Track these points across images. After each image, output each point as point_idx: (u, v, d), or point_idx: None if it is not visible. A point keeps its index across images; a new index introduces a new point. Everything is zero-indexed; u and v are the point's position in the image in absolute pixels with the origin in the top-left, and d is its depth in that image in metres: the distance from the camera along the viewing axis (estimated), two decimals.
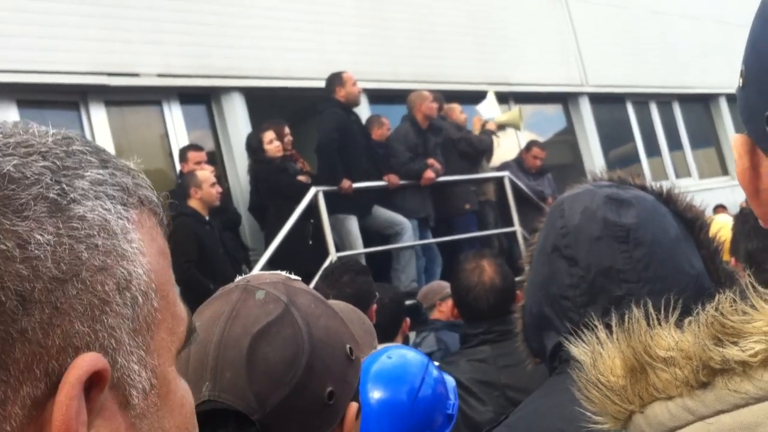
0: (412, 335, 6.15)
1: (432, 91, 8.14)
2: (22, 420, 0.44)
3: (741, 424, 0.61)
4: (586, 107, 11.41)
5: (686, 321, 0.69)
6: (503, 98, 9.32)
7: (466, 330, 3.04)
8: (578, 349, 0.74)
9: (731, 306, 0.65)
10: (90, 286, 0.47)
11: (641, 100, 12.41)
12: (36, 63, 6.45)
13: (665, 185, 1.48)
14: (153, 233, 0.55)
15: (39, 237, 0.45)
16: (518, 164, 9.05)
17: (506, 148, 9.55)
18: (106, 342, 0.48)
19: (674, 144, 12.76)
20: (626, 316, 0.71)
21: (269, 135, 6.98)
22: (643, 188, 1.46)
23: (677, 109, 12.97)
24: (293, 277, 1.23)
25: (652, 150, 12.35)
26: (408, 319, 3.89)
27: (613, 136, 11.87)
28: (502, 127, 9.16)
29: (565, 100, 11.45)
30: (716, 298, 0.66)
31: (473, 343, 2.90)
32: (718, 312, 0.65)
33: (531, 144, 9.26)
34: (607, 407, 0.71)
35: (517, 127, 9.25)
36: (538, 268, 1.43)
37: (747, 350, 0.62)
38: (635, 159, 12.02)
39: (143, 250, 0.53)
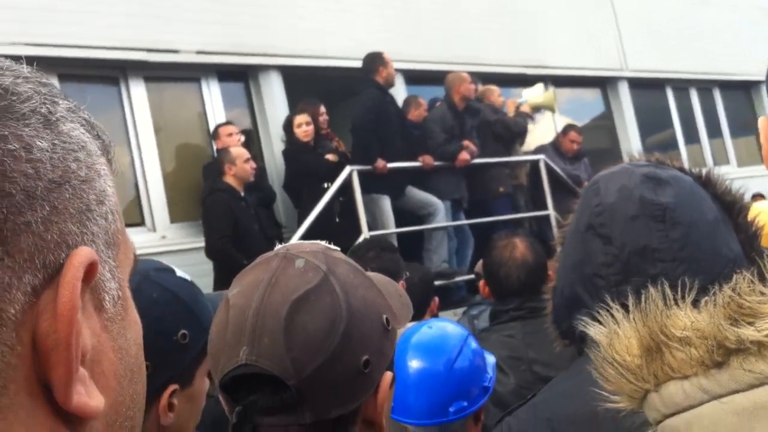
0: (448, 313, 6.17)
1: (468, 73, 8.10)
2: (23, 305, 0.47)
3: (755, 404, 0.62)
4: (624, 92, 11.28)
5: (702, 301, 0.69)
6: (540, 82, 9.24)
7: (496, 307, 3.05)
8: (595, 329, 0.74)
9: (748, 287, 0.65)
10: (78, 193, 0.52)
11: (681, 86, 12.24)
12: (77, 37, 6.52)
13: (705, 169, 1.47)
14: (107, 168, 0.58)
15: (39, 143, 0.50)
16: (554, 148, 8.97)
17: (542, 131, 9.48)
18: (90, 246, 0.52)
19: (714, 131, 12.58)
20: (643, 296, 0.71)
21: (300, 119, 7.01)
22: (682, 170, 1.45)
23: (718, 96, 12.78)
24: (332, 247, 1.24)
25: (691, 137, 12.19)
26: (437, 299, 3.90)
27: (652, 122, 11.73)
28: (536, 109, 9.10)
29: (604, 84, 11.32)
30: (734, 279, 0.66)
31: (503, 320, 2.91)
32: (735, 292, 0.65)
33: (568, 128, 9.18)
34: (623, 386, 0.71)
35: (551, 109, 9.18)
36: (572, 247, 1.42)
37: (763, 330, 0.62)
38: (674, 145, 11.87)
39: (108, 176, 0.58)
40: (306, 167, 6.97)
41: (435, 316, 4.02)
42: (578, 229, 1.40)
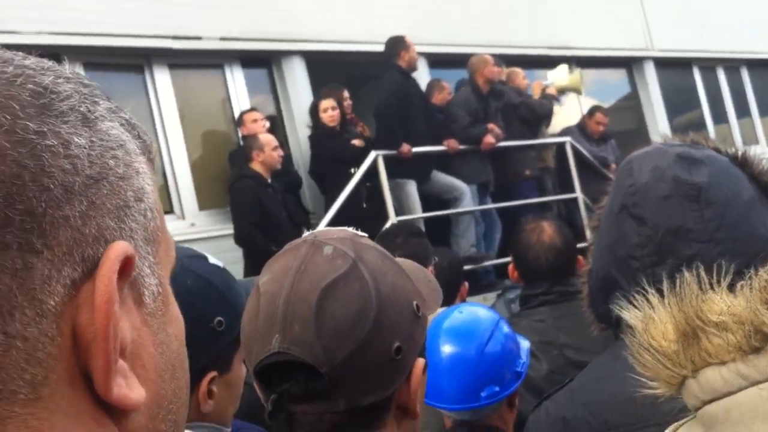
0: (478, 298, 6.15)
1: (492, 56, 8.05)
2: (63, 297, 0.48)
3: None
4: (651, 72, 11.16)
5: (738, 285, 0.67)
6: (565, 63, 9.15)
7: (526, 291, 3.03)
8: (630, 314, 0.73)
9: None
10: (116, 189, 0.53)
11: (708, 65, 12.09)
12: (102, 26, 6.55)
13: (740, 148, 1.44)
14: (147, 167, 0.60)
15: (77, 140, 0.51)
16: (580, 130, 8.91)
17: (568, 113, 9.41)
18: (129, 241, 0.53)
19: (742, 111, 12.42)
20: (677, 281, 0.70)
21: (326, 103, 7.02)
22: (717, 150, 1.43)
23: (745, 75, 12.61)
24: (360, 233, 1.24)
25: (719, 117, 12.05)
26: (467, 284, 3.88)
27: (679, 102, 11.60)
28: (562, 92, 9.03)
29: (630, 64, 11.21)
30: None
31: (533, 304, 2.89)
32: None
33: (594, 109, 9.11)
34: (659, 372, 0.70)
35: (578, 91, 9.11)
36: (606, 229, 1.41)
37: None
38: (701, 126, 11.71)
39: (147, 174, 0.59)
40: (332, 152, 6.98)
41: (464, 300, 4.02)
42: (612, 211, 1.38)
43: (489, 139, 7.55)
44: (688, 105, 11.84)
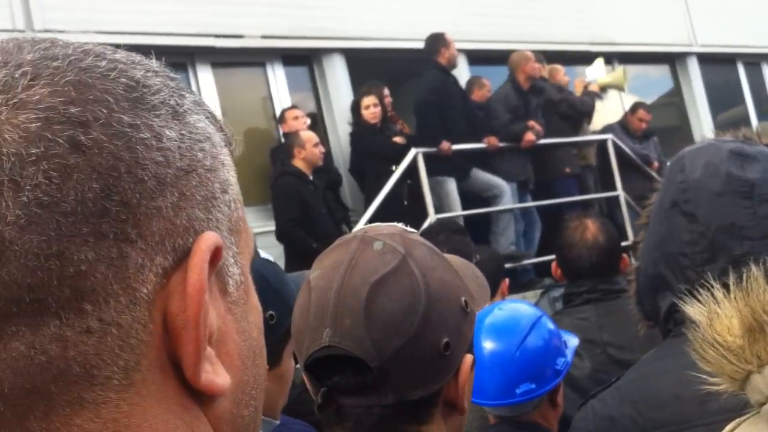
0: (518, 296, 6.12)
1: (533, 52, 8.00)
2: (155, 286, 0.50)
3: None
4: (694, 68, 11.01)
5: None
6: (607, 59, 9.07)
7: (569, 289, 3.00)
8: (694, 309, 0.72)
9: None
10: (204, 181, 0.54)
11: (753, 61, 11.89)
12: (145, 25, 6.64)
13: None
14: (229, 160, 0.61)
15: (168, 133, 0.52)
16: (622, 127, 8.82)
17: (610, 110, 9.32)
18: (216, 231, 0.54)
19: None
20: (744, 275, 0.69)
21: (368, 100, 7.03)
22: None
23: None
24: (409, 229, 1.24)
25: (764, 113, 11.84)
26: (507, 280, 3.87)
27: (723, 98, 11.43)
28: (604, 89, 8.95)
29: (672, 60, 11.07)
30: None
31: (576, 303, 2.86)
32: None
33: (636, 106, 9.00)
34: (723, 367, 0.70)
35: (621, 88, 9.01)
36: (656, 226, 1.39)
37: None
38: (746, 122, 11.47)
39: (231, 166, 0.60)
40: (373, 149, 6.99)
41: (505, 297, 4.01)
42: (662, 207, 1.37)
43: (529, 136, 7.51)
44: (732, 101, 11.66)
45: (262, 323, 0.63)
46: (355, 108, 7.17)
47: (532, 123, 7.60)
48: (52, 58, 0.50)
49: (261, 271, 1.50)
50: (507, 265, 5.91)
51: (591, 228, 2.92)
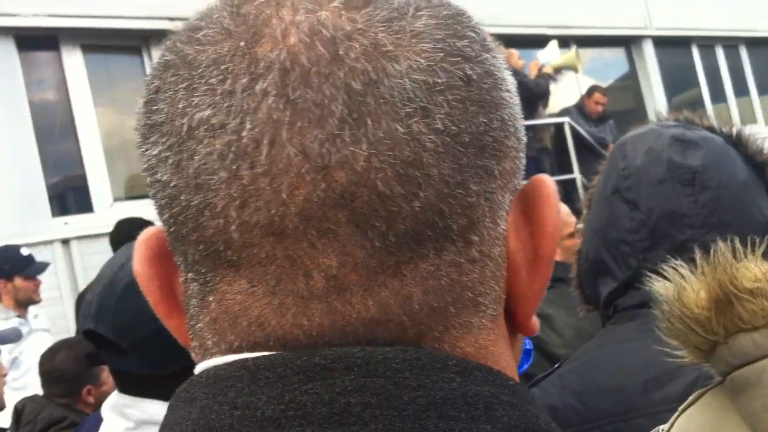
0: None
1: (491, 35, 8.02)
2: (506, 223, 0.52)
3: None
4: (649, 51, 11.12)
5: None
6: (563, 42, 9.14)
7: None
8: (661, 283, 0.74)
9: None
10: (518, 128, 0.54)
11: (707, 44, 12.05)
12: (100, 8, 6.53)
13: (735, 128, 1.42)
14: None
15: (506, 76, 0.53)
16: (579, 110, 8.91)
17: (566, 93, 9.40)
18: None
19: (741, 90, 12.39)
20: (711, 251, 0.72)
21: None
22: (711, 130, 1.40)
23: (744, 54, 12.58)
24: None
25: (718, 96, 12.03)
26: None
27: (677, 81, 11.58)
28: (559, 70, 9.02)
29: (628, 43, 11.17)
30: None
31: None
32: None
33: (593, 89, 9.09)
34: (690, 339, 0.72)
35: (574, 69, 9.09)
36: (597, 211, 1.38)
37: None
38: (700, 105, 11.69)
39: None
40: None
41: None
42: (604, 193, 1.36)
43: None
44: (687, 84, 11.81)
45: None
46: None
47: None
48: None
49: None
50: None
51: None
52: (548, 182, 0.54)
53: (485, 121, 0.49)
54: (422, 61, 0.47)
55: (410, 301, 0.47)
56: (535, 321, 0.54)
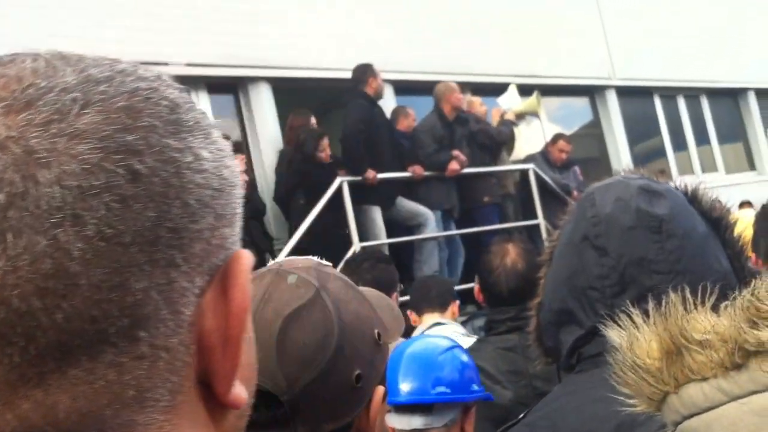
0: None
1: (458, 83, 8.13)
2: (194, 305, 0.51)
3: None
4: (613, 100, 11.33)
5: (722, 306, 0.70)
6: (529, 90, 9.27)
7: (492, 316, 2.97)
8: (615, 333, 0.75)
9: (767, 291, 0.66)
10: (230, 197, 0.54)
11: (669, 94, 12.30)
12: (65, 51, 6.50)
13: (690, 183, 1.45)
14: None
15: (205, 154, 0.52)
16: (544, 157, 9.00)
17: (532, 140, 9.52)
18: (237, 245, 0.56)
19: (701, 138, 12.64)
20: (663, 301, 0.72)
21: (325, 143, 6.98)
22: (668, 185, 1.44)
23: (705, 104, 12.85)
24: (324, 262, 1.25)
25: (679, 144, 12.25)
26: (458, 302, 3.99)
27: (640, 129, 11.78)
28: (521, 116, 9.13)
29: (592, 93, 11.38)
30: (752, 283, 0.67)
31: (500, 330, 2.83)
32: (754, 296, 0.66)
33: (557, 137, 9.21)
34: (642, 389, 0.72)
35: (536, 114, 9.20)
36: (564, 260, 1.40)
37: None
38: (662, 153, 11.92)
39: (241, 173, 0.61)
40: (306, 176, 6.95)
41: (455, 318, 4.08)
42: (572, 241, 1.38)
43: (454, 165, 7.60)
44: (649, 133, 12.02)
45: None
46: (311, 149, 7.00)
47: (456, 152, 7.70)
48: (95, 82, 0.49)
49: None
50: None
51: (511, 253, 2.90)
52: (242, 259, 0.54)
53: (155, 215, 0.47)
54: (76, 165, 0.45)
55: (55, 410, 0.45)
56: (237, 394, 0.53)
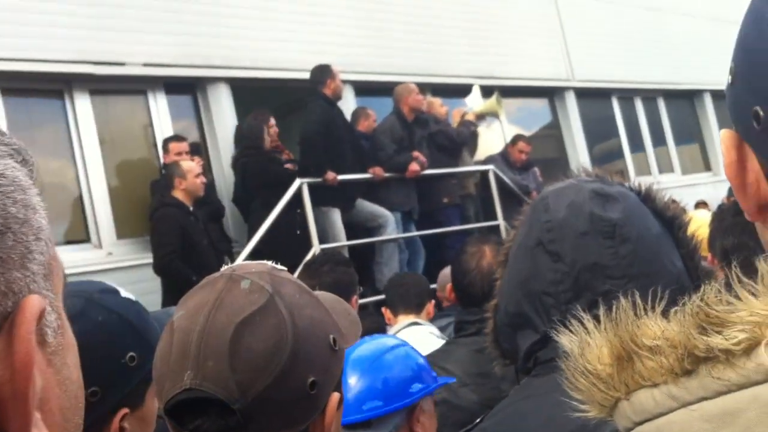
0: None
1: (418, 84, 8.14)
2: None
3: (723, 411, 0.63)
4: (572, 102, 11.44)
5: (672, 311, 0.70)
6: (490, 92, 9.32)
7: (461, 317, 2.95)
8: (566, 339, 0.75)
9: (716, 296, 0.66)
10: (19, 237, 0.50)
11: (626, 96, 12.46)
12: (21, 51, 6.40)
13: (644, 183, 1.46)
14: (38, 195, 0.57)
15: None
16: (503, 158, 9.06)
17: (492, 141, 9.57)
18: (32, 286, 0.51)
19: (658, 140, 12.82)
20: (614, 307, 0.72)
21: (272, 121, 6.98)
22: (622, 185, 1.44)
23: (662, 105, 13.03)
24: (279, 267, 1.23)
25: (637, 145, 12.41)
26: (433, 302, 3.98)
27: (598, 131, 11.91)
28: (482, 117, 9.17)
29: (552, 94, 11.47)
30: (702, 289, 0.67)
31: (470, 331, 2.81)
32: (704, 302, 0.66)
33: (516, 138, 9.28)
34: (594, 395, 0.72)
35: (496, 114, 9.26)
36: (518, 264, 1.40)
37: (730, 339, 0.63)
38: (619, 154, 12.07)
39: (40, 204, 0.56)
40: (266, 175, 6.90)
41: (431, 317, 4.06)
42: (526, 245, 1.38)
43: (414, 166, 7.61)
44: (607, 134, 12.16)
45: (79, 358, 0.60)
46: (258, 131, 7.04)
47: (416, 154, 7.71)
48: None
49: (121, 311, 1.45)
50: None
51: (487, 256, 2.88)
52: (26, 308, 0.50)
53: None
54: None
55: None
56: None
